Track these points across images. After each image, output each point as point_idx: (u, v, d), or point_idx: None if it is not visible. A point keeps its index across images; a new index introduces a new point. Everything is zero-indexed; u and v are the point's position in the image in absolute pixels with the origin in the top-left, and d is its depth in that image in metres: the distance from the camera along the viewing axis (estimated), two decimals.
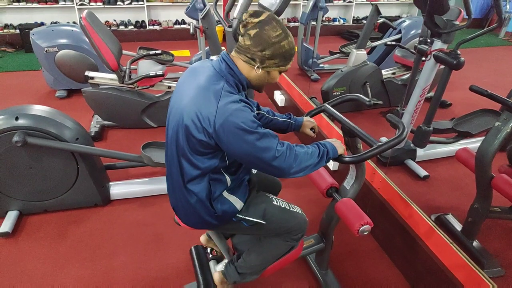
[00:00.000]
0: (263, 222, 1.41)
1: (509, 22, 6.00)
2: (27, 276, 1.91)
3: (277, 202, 1.48)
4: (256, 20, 1.17)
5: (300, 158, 1.26)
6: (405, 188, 2.05)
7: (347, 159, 1.42)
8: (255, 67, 1.22)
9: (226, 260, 1.68)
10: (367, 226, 1.47)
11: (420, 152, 2.87)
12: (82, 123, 3.16)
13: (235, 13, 2.51)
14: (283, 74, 3.90)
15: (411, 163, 2.81)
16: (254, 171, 1.64)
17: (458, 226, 2.15)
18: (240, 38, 1.21)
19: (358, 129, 1.47)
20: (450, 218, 2.23)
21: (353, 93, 1.66)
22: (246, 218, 1.39)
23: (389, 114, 1.51)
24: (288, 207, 1.49)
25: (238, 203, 1.37)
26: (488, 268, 1.93)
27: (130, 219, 2.32)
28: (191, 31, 3.41)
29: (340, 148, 1.42)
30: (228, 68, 1.23)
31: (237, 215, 1.38)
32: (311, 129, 1.67)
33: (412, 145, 2.81)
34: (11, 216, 2.21)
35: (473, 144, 2.84)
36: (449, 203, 2.45)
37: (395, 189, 2.06)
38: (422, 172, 2.68)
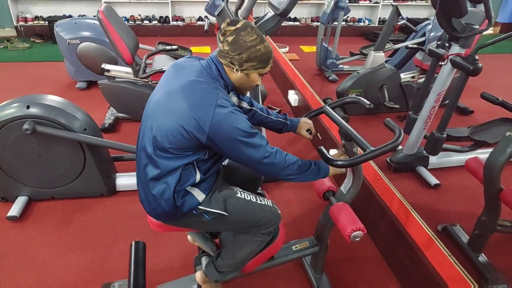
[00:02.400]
0: (226, 213, 1.38)
1: None
2: (30, 260, 1.97)
3: (241, 194, 1.45)
4: (233, 28, 1.25)
5: (289, 161, 1.33)
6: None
7: (339, 162, 1.39)
8: (234, 70, 1.29)
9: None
10: (360, 232, 1.44)
11: (433, 160, 2.77)
12: (98, 114, 3.22)
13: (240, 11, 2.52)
14: (297, 72, 3.88)
15: (422, 170, 2.72)
16: (224, 162, 1.65)
17: (465, 238, 2.07)
18: (220, 45, 1.30)
19: (354, 133, 1.45)
20: (457, 229, 2.14)
21: (354, 96, 1.63)
22: (208, 210, 1.36)
23: (386, 119, 1.46)
24: (254, 200, 1.45)
25: (200, 196, 1.35)
26: (493, 284, 1.84)
27: (133, 210, 2.36)
28: (206, 27, 3.43)
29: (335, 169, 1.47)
30: (217, 71, 1.31)
31: (198, 207, 1.35)
32: (307, 130, 1.65)
33: (424, 151, 2.73)
34: (20, 201, 2.29)
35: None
36: (458, 213, 2.36)
37: (397, 196, 2.00)
38: (433, 180, 2.59)
